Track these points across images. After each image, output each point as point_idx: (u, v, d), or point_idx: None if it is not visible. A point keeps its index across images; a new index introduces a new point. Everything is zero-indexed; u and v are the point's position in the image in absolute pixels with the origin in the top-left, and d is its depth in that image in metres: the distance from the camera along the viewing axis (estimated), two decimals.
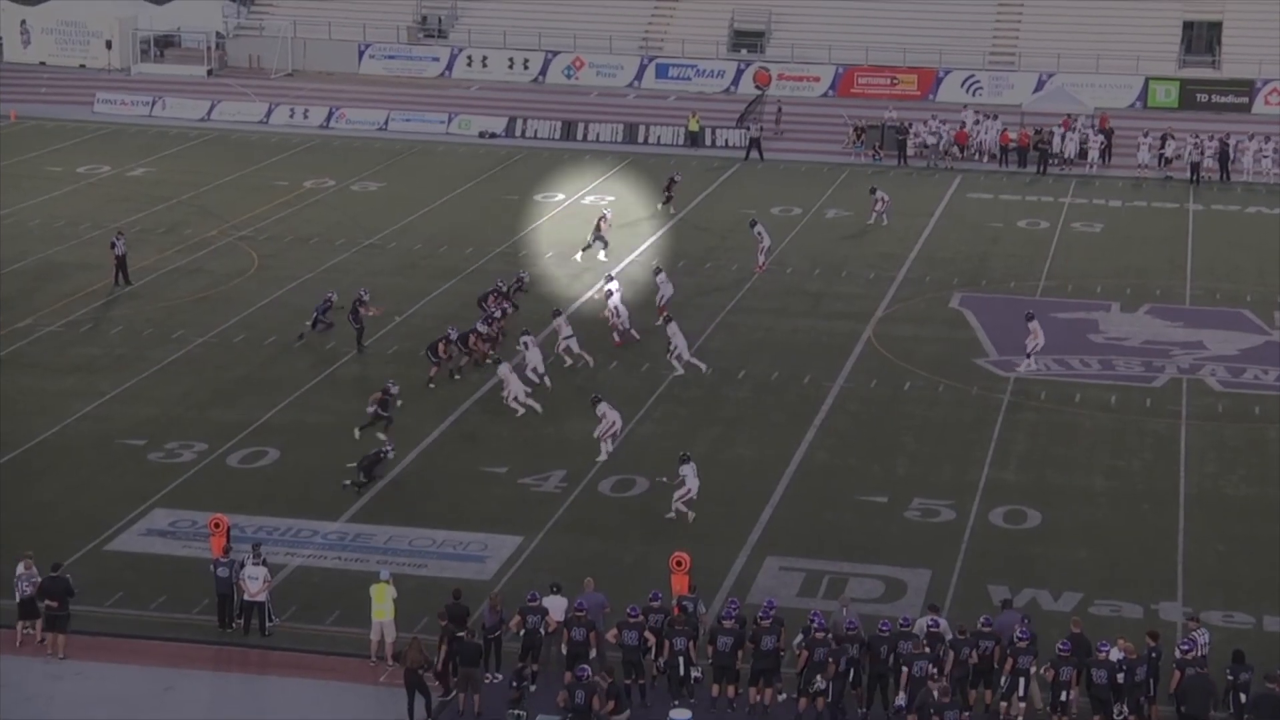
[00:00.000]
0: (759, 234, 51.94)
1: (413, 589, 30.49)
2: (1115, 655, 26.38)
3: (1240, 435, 38.99)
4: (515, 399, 39.88)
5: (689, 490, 34.21)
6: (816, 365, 43.38)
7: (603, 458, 37.11)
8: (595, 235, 52.30)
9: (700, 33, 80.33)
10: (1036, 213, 60.27)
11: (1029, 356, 42.70)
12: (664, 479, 35.25)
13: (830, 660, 26.67)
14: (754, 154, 68.35)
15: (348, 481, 35.59)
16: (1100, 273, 52.13)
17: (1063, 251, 55.09)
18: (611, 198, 54.65)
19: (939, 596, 30.74)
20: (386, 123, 73.75)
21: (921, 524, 34.40)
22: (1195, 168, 64.18)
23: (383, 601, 28.77)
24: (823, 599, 30.74)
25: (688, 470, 34.32)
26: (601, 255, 51.64)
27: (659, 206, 58.96)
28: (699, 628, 27.99)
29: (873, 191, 58.24)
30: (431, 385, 41.35)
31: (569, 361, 42.81)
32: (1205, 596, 31.05)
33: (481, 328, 43.07)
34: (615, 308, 44.90)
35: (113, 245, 49.49)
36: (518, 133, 72.61)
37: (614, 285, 45.99)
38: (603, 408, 37.47)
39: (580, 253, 52.09)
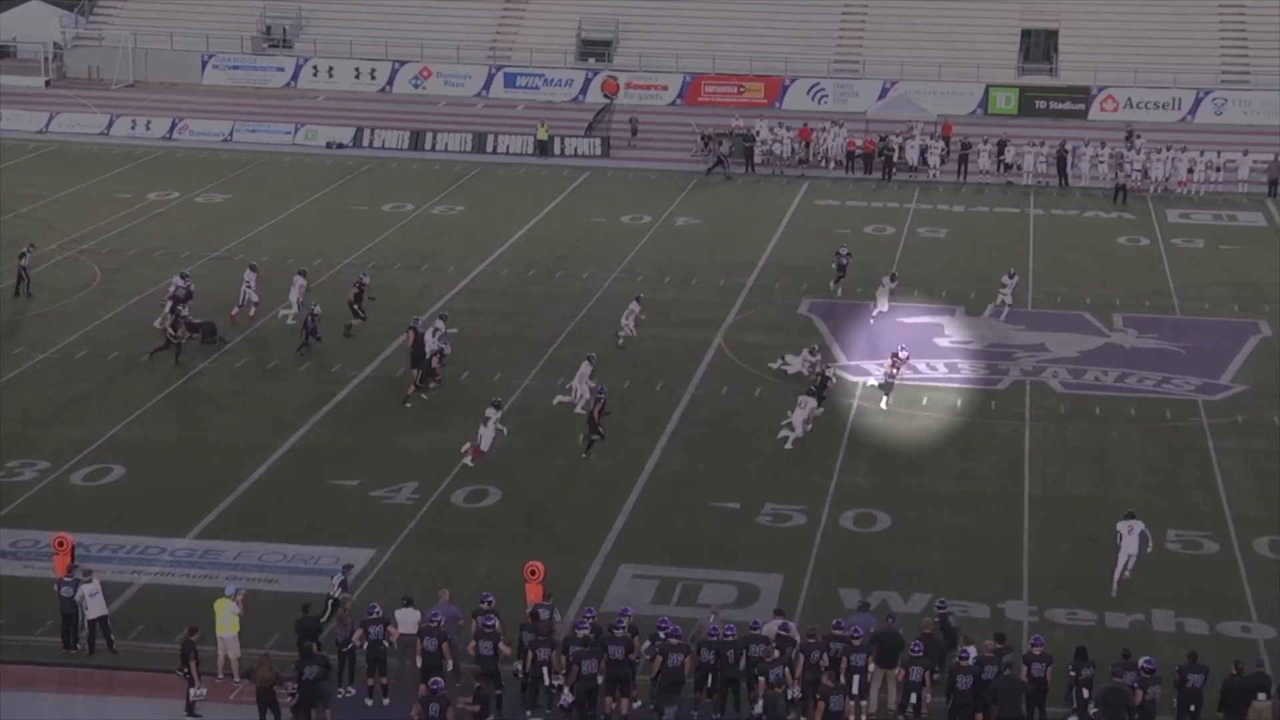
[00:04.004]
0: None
1: (264, 605, 30.14)
2: (972, 658, 26.76)
3: (1082, 436, 39.78)
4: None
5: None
6: (668, 373, 43.57)
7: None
8: None
9: (548, 42, 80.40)
10: (882, 219, 61.05)
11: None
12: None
13: (686, 662, 26.80)
14: (718, 170, 67.75)
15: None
16: (945, 277, 52.93)
17: (908, 257, 55.86)
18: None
19: (791, 601, 31.02)
20: (231, 134, 72.88)
21: (773, 529, 34.67)
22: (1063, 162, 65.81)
23: (223, 616, 28.41)
24: (676, 606, 30.87)
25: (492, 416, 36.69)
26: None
27: None
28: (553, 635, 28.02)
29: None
30: (407, 405, 40.99)
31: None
32: (1050, 595, 31.63)
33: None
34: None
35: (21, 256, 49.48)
36: (365, 143, 72.12)
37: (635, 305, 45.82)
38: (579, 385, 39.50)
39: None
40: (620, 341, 44.80)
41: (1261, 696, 26.25)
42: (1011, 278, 49.31)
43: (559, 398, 40.87)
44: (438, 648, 27.49)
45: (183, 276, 46.32)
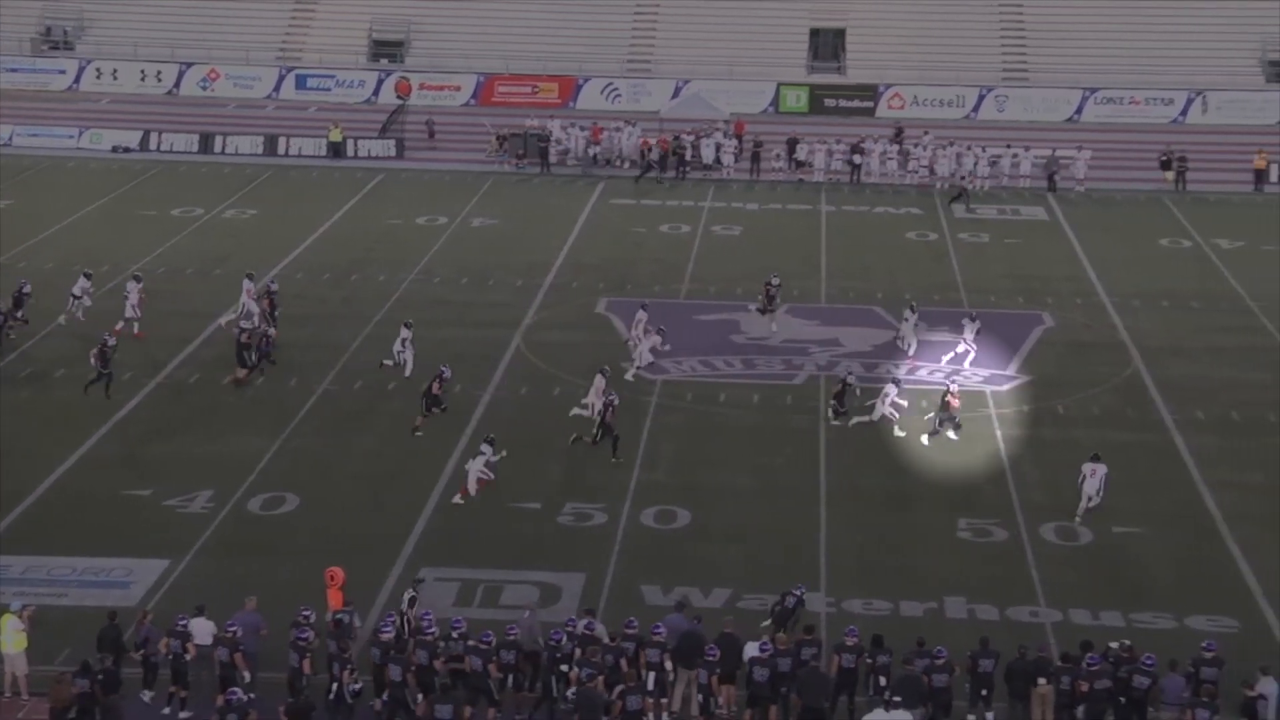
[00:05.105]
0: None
1: (54, 620, 29.41)
2: (768, 651, 27.08)
3: (874, 429, 40.45)
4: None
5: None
6: (467, 374, 43.39)
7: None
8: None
9: (339, 43, 79.55)
10: (677, 217, 61.53)
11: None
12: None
13: (493, 664, 26.79)
14: (651, 174, 67.44)
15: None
16: (740, 275, 53.49)
17: (704, 255, 56.39)
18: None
19: (593, 599, 31.13)
20: (11, 138, 70.95)
21: (574, 528, 34.76)
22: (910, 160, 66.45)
23: (6, 633, 27.68)
24: (479, 608, 30.81)
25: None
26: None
27: None
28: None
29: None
30: (417, 434, 39.54)
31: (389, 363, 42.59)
32: (846, 586, 32.17)
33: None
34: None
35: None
36: (153, 146, 70.74)
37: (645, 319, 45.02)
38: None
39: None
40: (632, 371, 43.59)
41: (1042, 680, 27.00)
42: (974, 320, 45.43)
43: (575, 410, 40.17)
44: (229, 658, 27.07)
45: None
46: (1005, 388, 43.26)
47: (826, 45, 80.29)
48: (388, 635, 27.29)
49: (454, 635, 27.60)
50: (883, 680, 26.91)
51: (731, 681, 27.38)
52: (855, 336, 47.30)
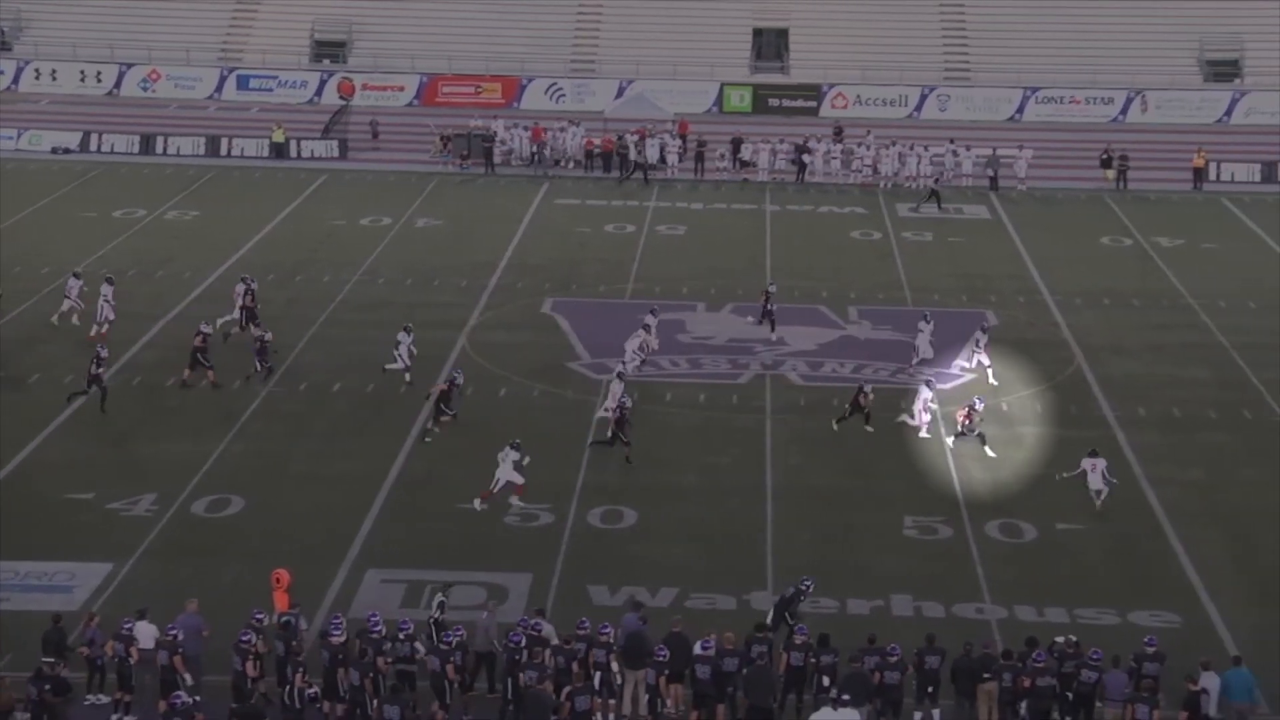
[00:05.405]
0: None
1: None
2: (714, 649, 27.11)
3: (821, 427, 40.59)
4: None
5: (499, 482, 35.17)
6: (412, 375, 43.25)
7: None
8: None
9: (281, 43, 79.18)
10: (622, 217, 61.56)
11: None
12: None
13: (449, 664, 26.71)
14: (638, 175, 67.25)
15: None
16: (685, 274, 53.59)
17: (649, 254, 56.44)
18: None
19: (540, 599, 31.09)
20: None
21: (521, 528, 34.72)
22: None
23: None
24: (425, 609, 30.67)
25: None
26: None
27: None
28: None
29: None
30: (427, 440, 39.16)
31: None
32: (793, 584, 32.22)
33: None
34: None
35: None
36: (93, 147, 70.22)
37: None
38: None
39: None
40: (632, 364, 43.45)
41: (987, 676, 27.16)
42: (984, 333, 44.89)
43: (600, 414, 39.95)
44: (169, 661, 26.90)
45: None
46: (949, 386, 43.46)
47: (770, 45, 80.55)
48: (338, 639, 27.18)
49: (400, 636, 27.49)
50: (826, 680, 26.96)
51: (680, 681, 27.39)
52: (801, 336, 47.43)
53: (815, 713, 25.97)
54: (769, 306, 47.37)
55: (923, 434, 39.60)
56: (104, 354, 40.84)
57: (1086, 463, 36.18)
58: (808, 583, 30.16)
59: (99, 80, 77.75)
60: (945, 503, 36.31)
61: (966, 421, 38.89)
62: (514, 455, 35.70)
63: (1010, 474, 37.26)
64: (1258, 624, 31.00)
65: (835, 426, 39.85)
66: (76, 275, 47.01)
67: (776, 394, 42.94)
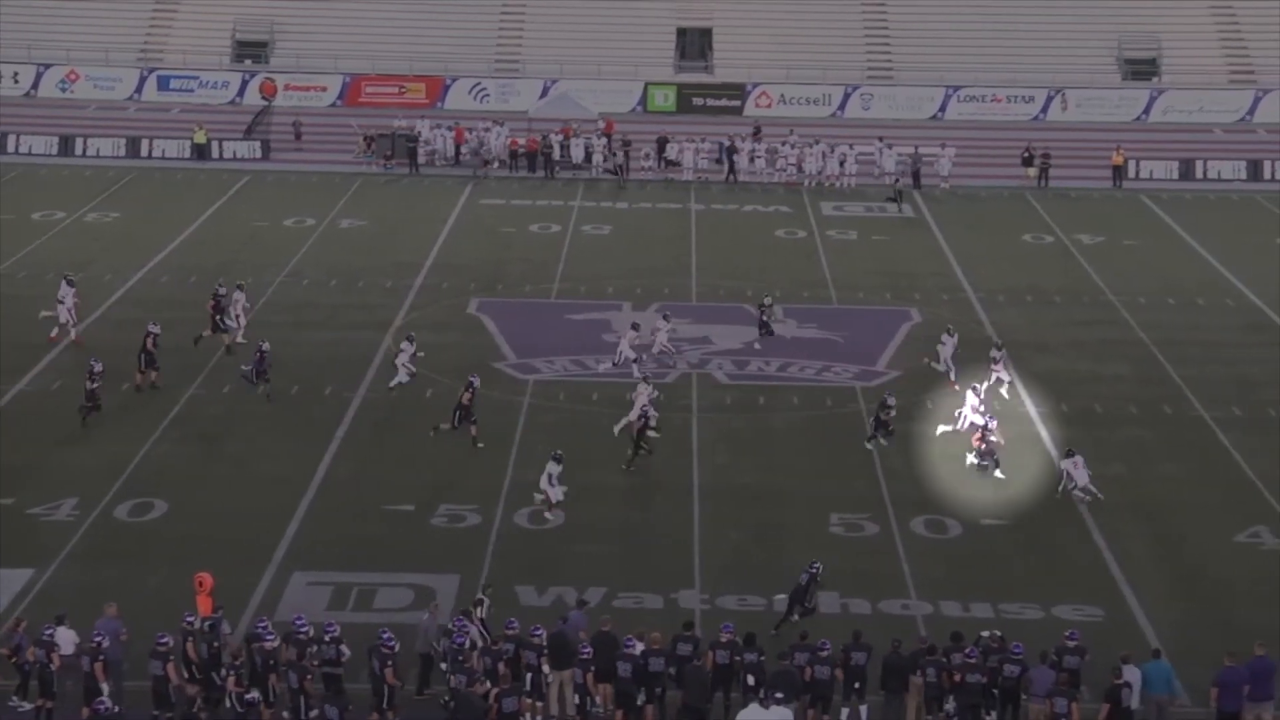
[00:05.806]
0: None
1: None
2: (639, 648, 27.15)
3: (747, 425, 40.74)
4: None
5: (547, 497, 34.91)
6: (337, 377, 43.08)
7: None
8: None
9: (201, 43, 78.57)
10: (547, 217, 61.49)
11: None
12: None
13: (388, 667, 26.57)
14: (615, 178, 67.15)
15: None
16: (611, 274, 53.61)
17: (574, 254, 56.41)
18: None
19: (468, 601, 30.90)
20: None
21: (449, 530, 34.63)
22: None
23: None
24: (351, 611, 30.60)
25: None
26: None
27: None
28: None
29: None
30: (433, 434, 38.71)
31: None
32: (720, 582, 32.34)
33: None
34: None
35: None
36: (10, 149, 69.38)
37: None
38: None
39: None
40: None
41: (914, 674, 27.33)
42: (999, 350, 43.59)
43: (620, 425, 39.23)
44: (90, 667, 26.63)
45: None
46: (875, 383, 43.68)
47: (693, 44, 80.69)
48: (272, 644, 27.00)
49: (326, 639, 27.35)
50: (751, 679, 27.00)
51: (610, 680, 27.38)
52: (726, 334, 47.55)
53: (741, 711, 26.03)
54: (764, 319, 47.08)
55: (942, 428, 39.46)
56: (98, 368, 39.72)
57: (1066, 463, 36.35)
58: (816, 565, 30.25)
59: (16, 81, 76.85)
60: (870, 500, 36.50)
61: (981, 445, 37.81)
62: (554, 468, 35.18)
63: (934, 471, 37.46)
64: (1178, 618, 31.36)
65: (868, 445, 39.03)
66: (69, 281, 45.98)
67: (703, 392, 43.03)
